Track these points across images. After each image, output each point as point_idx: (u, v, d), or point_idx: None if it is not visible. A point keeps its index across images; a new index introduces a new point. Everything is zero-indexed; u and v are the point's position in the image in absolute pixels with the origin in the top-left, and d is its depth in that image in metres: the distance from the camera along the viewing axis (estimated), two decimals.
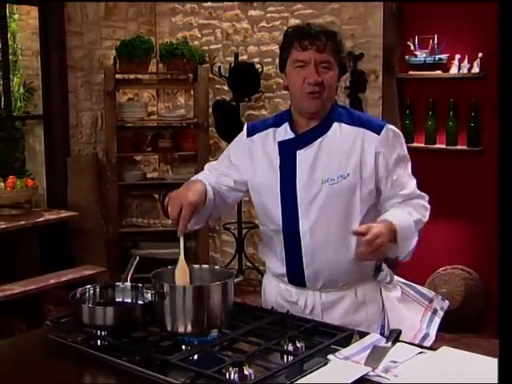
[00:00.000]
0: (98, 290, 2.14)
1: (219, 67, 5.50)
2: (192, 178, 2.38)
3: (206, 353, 1.88)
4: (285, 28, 5.21)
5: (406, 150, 2.28)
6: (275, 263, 2.31)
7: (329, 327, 2.07)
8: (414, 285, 2.42)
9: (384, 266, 2.33)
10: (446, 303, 2.41)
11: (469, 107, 4.53)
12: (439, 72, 4.59)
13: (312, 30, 2.15)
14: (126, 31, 5.76)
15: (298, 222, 2.20)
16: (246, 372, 1.73)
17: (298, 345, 1.91)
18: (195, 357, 1.87)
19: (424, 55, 4.56)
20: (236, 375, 1.71)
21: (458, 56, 4.52)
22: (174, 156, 5.92)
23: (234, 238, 5.51)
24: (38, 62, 5.33)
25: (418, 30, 4.62)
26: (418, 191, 2.28)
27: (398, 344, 1.93)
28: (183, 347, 1.93)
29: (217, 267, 2.26)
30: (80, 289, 2.09)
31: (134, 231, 5.70)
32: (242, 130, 5.48)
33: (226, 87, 5.59)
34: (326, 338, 1.96)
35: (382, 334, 2.17)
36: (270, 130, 2.29)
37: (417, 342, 2.18)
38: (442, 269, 4.74)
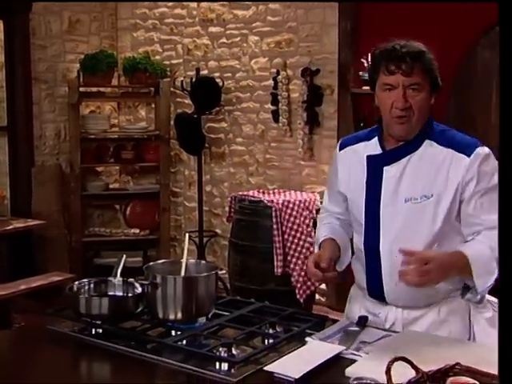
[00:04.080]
0: (92, 284, 2.31)
1: (181, 81, 5.71)
2: (320, 216, 2.53)
3: (196, 337, 2.07)
4: (244, 45, 5.52)
5: (496, 177, 2.09)
6: (360, 275, 2.31)
7: (304, 314, 2.29)
8: None
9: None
10: None
11: None
12: None
13: (398, 52, 2.08)
14: (89, 45, 5.91)
15: (379, 238, 2.19)
16: (233, 352, 1.94)
17: (278, 329, 2.14)
18: (185, 341, 2.06)
19: None
20: (225, 354, 1.92)
21: None
22: (136, 167, 6.08)
23: (196, 247, 5.69)
24: (2, 75, 5.45)
25: (371, 48, 4.88)
26: None
27: (366, 328, 2.18)
28: (173, 333, 2.12)
29: (202, 262, 2.45)
30: (77, 282, 2.28)
31: (97, 240, 5.83)
32: (203, 141, 5.71)
33: (186, 100, 5.79)
34: (302, 323, 2.18)
35: None
36: (362, 144, 2.28)
37: None
38: None
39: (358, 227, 2.29)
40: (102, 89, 5.84)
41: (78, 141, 5.57)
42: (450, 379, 1.60)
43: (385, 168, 2.18)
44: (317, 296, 5.19)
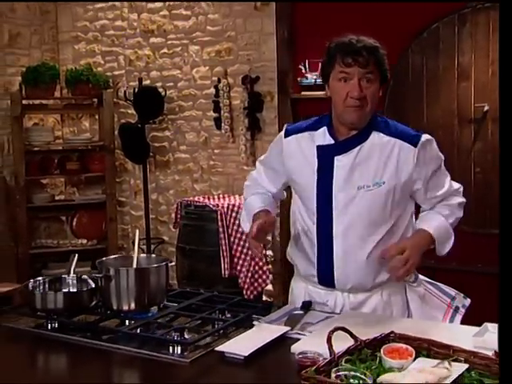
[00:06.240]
0: (47, 282, 2.40)
1: (124, 91, 5.79)
2: (247, 184, 2.62)
3: (149, 325, 2.18)
4: (185, 54, 5.63)
5: (440, 154, 2.35)
6: (306, 265, 2.41)
7: (250, 301, 2.42)
8: (437, 283, 2.48)
9: None
10: (468, 301, 2.45)
11: None
12: None
13: (354, 46, 2.20)
14: (30, 58, 5.95)
15: (332, 224, 2.29)
16: (186, 336, 2.06)
17: (227, 315, 2.27)
18: (139, 330, 2.16)
19: (314, 77, 5.01)
20: (178, 338, 2.03)
21: None
22: (81, 178, 6.12)
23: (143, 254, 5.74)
24: None
25: (307, 55, 5.07)
26: (453, 185, 2.40)
27: (310, 312, 2.32)
28: (127, 322, 2.22)
29: (153, 255, 2.56)
30: (32, 280, 2.36)
31: (44, 252, 5.84)
32: (147, 150, 5.77)
33: (130, 110, 5.88)
34: (250, 309, 2.31)
35: None
36: (307, 133, 2.36)
37: None
38: None
39: (306, 215, 2.37)
40: (44, 101, 5.87)
41: (22, 153, 5.59)
42: (385, 346, 1.75)
43: (336, 158, 2.28)
44: (264, 297, 5.32)
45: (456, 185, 2.43)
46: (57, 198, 6.13)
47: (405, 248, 2.23)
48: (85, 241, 5.91)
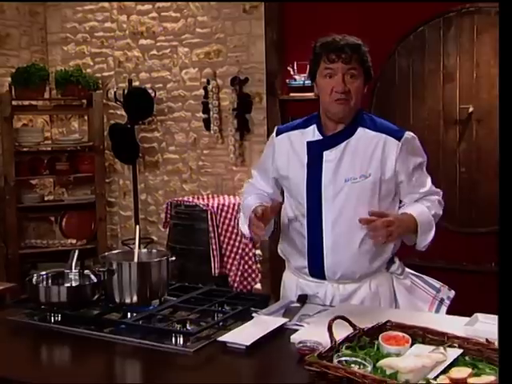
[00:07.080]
0: (50, 277, 2.46)
1: (114, 93, 5.84)
2: (244, 190, 2.74)
3: (151, 317, 2.25)
4: (175, 56, 5.68)
5: (423, 153, 2.48)
6: (296, 257, 2.51)
7: (248, 295, 2.50)
8: (423, 276, 2.58)
9: (396, 258, 2.53)
10: (452, 293, 2.55)
11: None
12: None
13: (338, 43, 2.32)
14: (19, 59, 5.98)
15: (322, 215, 2.40)
16: (188, 327, 2.13)
17: (226, 308, 2.34)
18: (141, 322, 2.22)
19: (302, 79, 5.09)
20: (181, 329, 2.10)
21: None
22: (70, 178, 6.15)
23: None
24: None
25: (296, 57, 5.15)
26: (434, 188, 2.51)
27: (306, 305, 2.40)
28: (129, 315, 2.29)
29: (154, 250, 2.62)
30: (35, 275, 2.41)
31: (34, 252, 5.87)
32: (137, 151, 5.81)
33: (119, 111, 5.93)
34: (248, 302, 2.38)
35: None
36: (297, 131, 2.49)
37: None
38: None
39: (296, 209, 2.48)
40: (34, 102, 5.91)
41: (11, 154, 5.62)
42: (382, 333, 1.83)
43: (324, 152, 2.40)
44: None
45: (437, 188, 2.53)
46: (46, 198, 6.16)
47: (388, 215, 2.31)
48: (74, 241, 5.94)
